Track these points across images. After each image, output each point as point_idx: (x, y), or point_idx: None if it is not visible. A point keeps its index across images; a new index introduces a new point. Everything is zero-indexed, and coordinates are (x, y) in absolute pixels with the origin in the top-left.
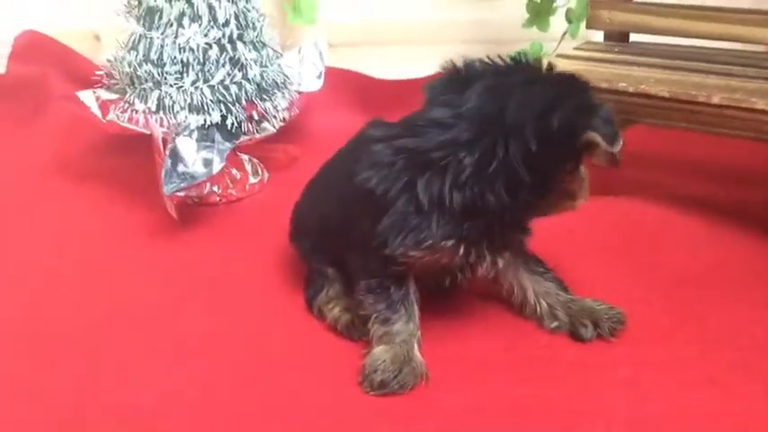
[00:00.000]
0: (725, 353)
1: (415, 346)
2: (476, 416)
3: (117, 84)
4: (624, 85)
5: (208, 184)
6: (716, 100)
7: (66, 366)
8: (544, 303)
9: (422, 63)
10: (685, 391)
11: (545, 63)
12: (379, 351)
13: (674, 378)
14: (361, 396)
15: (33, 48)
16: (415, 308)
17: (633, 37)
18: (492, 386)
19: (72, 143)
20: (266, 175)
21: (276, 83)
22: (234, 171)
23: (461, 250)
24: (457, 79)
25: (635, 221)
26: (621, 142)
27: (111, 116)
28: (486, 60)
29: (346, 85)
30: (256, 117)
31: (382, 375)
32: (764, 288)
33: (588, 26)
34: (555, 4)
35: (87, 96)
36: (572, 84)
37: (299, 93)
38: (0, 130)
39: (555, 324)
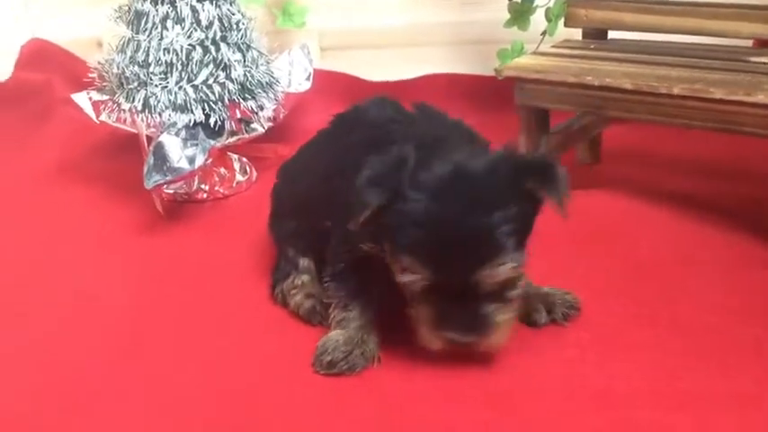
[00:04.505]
0: (678, 339)
1: (373, 332)
2: (417, 396)
3: (107, 85)
4: (590, 78)
5: (196, 181)
6: (676, 91)
7: (48, 344)
8: None
9: (408, 65)
10: (630, 372)
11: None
12: (334, 334)
13: (619, 358)
14: (311, 377)
15: (39, 55)
16: (375, 298)
17: (612, 34)
18: (437, 370)
19: (74, 145)
20: (255, 174)
21: (261, 83)
22: (222, 170)
23: None
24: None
25: (601, 214)
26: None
27: (103, 116)
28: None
29: (335, 86)
30: (239, 116)
31: (332, 355)
32: (725, 277)
33: (566, 24)
34: (535, 4)
35: (81, 98)
36: None
37: (288, 93)
38: (7, 134)
39: None
